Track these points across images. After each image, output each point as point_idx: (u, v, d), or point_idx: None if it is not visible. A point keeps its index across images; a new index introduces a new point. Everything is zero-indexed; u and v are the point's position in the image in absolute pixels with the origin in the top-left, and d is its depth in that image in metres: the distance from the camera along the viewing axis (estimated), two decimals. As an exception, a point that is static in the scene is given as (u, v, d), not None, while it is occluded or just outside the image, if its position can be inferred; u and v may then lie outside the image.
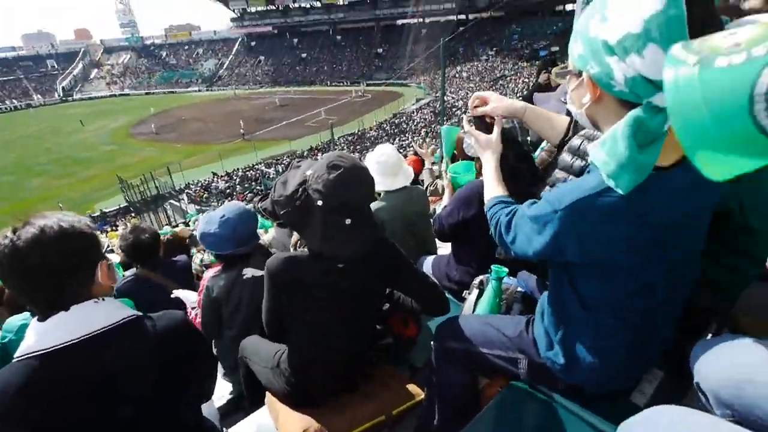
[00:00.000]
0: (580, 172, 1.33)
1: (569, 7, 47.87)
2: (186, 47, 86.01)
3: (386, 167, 2.23)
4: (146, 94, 71.58)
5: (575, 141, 1.36)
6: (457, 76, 46.19)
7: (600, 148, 0.79)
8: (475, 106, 1.39)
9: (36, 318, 0.90)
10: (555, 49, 37.53)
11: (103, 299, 0.94)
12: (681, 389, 1.14)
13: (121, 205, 22.73)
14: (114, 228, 20.52)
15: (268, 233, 2.53)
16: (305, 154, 27.15)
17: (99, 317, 0.91)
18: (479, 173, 1.76)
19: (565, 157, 1.39)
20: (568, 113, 2.04)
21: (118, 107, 58.59)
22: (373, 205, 2.33)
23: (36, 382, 0.83)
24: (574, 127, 1.37)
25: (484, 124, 1.36)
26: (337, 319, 1.32)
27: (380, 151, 2.27)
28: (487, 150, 1.31)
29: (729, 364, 0.81)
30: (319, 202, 1.16)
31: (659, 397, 1.17)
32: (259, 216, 2.01)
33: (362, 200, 1.23)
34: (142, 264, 2.34)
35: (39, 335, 0.87)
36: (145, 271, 2.32)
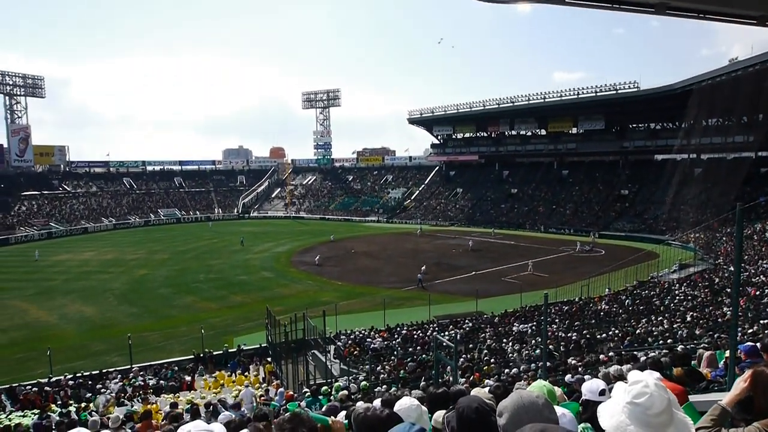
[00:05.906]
0: None
1: None
2: (375, 172, 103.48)
3: (648, 414, 1.88)
4: (321, 219, 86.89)
5: None
6: (756, 237, 41.67)
7: None
8: None
9: None
10: None
11: None
12: None
13: (262, 344, 25.86)
14: (245, 372, 23.12)
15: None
16: (496, 319, 26.89)
17: None
18: None
19: None
20: None
21: (289, 230, 72.34)
22: None
23: None
24: None
25: None
26: None
27: (638, 386, 1.93)
28: None
29: None
30: None
31: None
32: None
33: None
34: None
35: None
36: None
